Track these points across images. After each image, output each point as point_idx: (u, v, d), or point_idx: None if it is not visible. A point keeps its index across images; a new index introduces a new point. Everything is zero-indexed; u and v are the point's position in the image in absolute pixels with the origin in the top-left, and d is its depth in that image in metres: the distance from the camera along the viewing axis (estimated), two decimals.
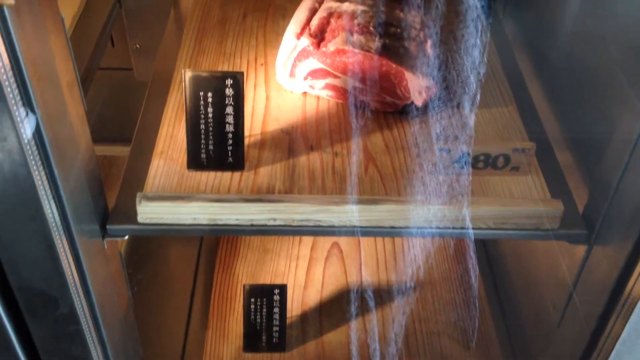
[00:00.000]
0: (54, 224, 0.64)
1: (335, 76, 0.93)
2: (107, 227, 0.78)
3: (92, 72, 1.13)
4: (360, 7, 0.95)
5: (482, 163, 0.83)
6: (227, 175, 0.83)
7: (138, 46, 1.27)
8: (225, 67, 1.02)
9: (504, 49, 1.09)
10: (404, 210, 0.78)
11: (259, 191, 0.81)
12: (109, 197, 0.83)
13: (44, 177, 0.61)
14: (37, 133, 0.59)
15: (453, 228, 0.79)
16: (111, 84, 1.36)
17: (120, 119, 1.32)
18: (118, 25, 1.26)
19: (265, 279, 1.21)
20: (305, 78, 0.95)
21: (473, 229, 0.79)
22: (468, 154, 0.81)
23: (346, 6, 0.96)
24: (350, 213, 0.79)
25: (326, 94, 0.96)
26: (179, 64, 1.01)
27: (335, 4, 0.97)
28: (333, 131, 0.92)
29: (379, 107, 0.94)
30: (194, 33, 1.09)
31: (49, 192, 0.63)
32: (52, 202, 0.64)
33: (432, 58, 0.92)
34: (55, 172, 0.63)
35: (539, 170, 0.85)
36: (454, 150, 0.81)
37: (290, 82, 0.97)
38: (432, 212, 0.78)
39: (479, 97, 0.90)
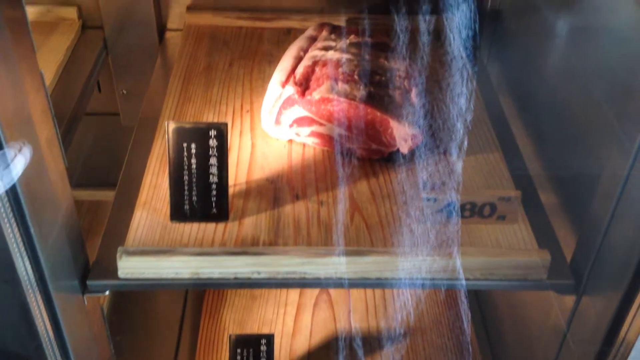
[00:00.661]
0: (28, 285, 0.62)
1: (321, 124, 0.93)
2: (88, 282, 0.76)
3: (78, 118, 1.13)
4: (345, 56, 0.96)
5: (468, 212, 0.82)
6: (211, 226, 0.82)
7: (125, 92, 1.27)
8: (211, 115, 1.02)
9: (488, 95, 1.10)
10: (390, 261, 0.77)
11: (243, 242, 0.80)
12: (94, 245, 0.82)
13: (19, 237, 0.60)
14: (12, 190, 0.58)
15: (440, 279, 0.78)
16: (98, 129, 1.36)
17: (107, 163, 1.31)
18: (105, 71, 1.26)
19: (253, 326, 1.18)
20: (291, 125, 0.95)
21: (460, 279, 0.78)
22: (454, 202, 0.81)
23: (331, 54, 0.97)
24: (336, 265, 0.77)
25: (312, 141, 0.96)
26: (164, 111, 1.01)
27: (320, 53, 0.98)
28: (319, 179, 0.91)
29: (365, 154, 0.94)
30: (180, 80, 1.09)
31: (23, 251, 0.61)
32: (27, 262, 0.62)
33: (418, 106, 0.92)
34: (32, 230, 0.62)
35: (526, 219, 0.84)
36: (440, 199, 0.81)
37: (276, 129, 0.96)
38: (419, 263, 0.77)
39: (465, 144, 0.91)
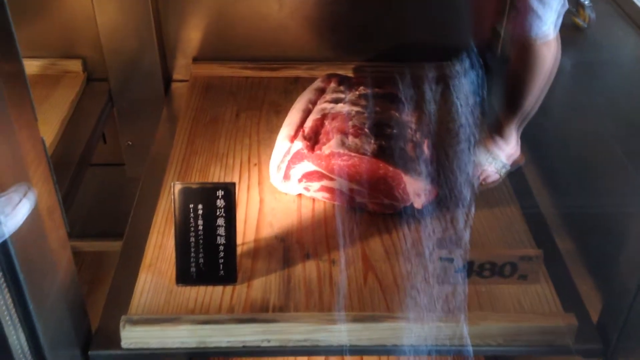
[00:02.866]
0: (22, 356, 0.59)
1: (331, 179, 0.90)
2: (90, 352, 0.73)
3: (83, 169, 1.11)
4: (355, 108, 0.94)
5: (488, 272, 0.79)
6: (218, 289, 0.79)
7: (130, 143, 1.25)
8: (217, 169, 0.99)
9: None
10: (407, 328, 0.73)
11: (252, 307, 0.76)
12: (97, 299, 0.78)
13: (11, 306, 0.57)
14: (4, 255, 0.55)
15: (461, 345, 0.74)
16: (103, 180, 1.33)
17: (112, 214, 1.28)
18: (110, 122, 1.24)
19: None
20: (300, 180, 0.92)
21: (482, 346, 0.74)
22: (472, 263, 0.77)
23: (340, 107, 0.95)
24: (351, 332, 0.73)
25: (322, 196, 0.93)
26: (170, 166, 0.98)
27: (329, 105, 0.96)
28: (330, 236, 0.88)
29: (377, 209, 0.91)
30: (186, 133, 1.07)
31: (16, 321, 0.58)
32: (20, 332, 0.59)
33: (430, 159, 0.90)
34: (27, 297, 0.59)
35: (548, 278, 0.80)
36: (457, 259, 0.77)
37: (285, 184, 0.94)
38: (438, 329, 0.73)
39: (481, 199, 0.87)
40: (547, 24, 0.77)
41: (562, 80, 1.03)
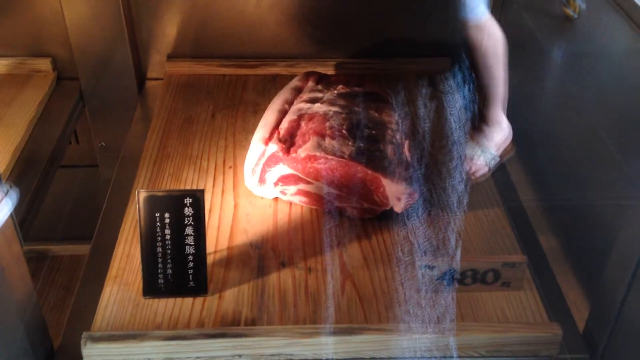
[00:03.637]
0: None
1: (308, 182, 0.86)
2: None
3: (52, 170, 1.07)
4: (332, 108, 0.90)
5: (470, 279, 0.75)
6: (188, 301, 0.75)
7: (103, 144, 1.21)
8: (191, 172, 0.95)
9: None
10: (385, 340, 0.70)
11: (223, 320, 0.73)
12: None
13: None
14: None
15: (442, 357, 0.70)
16: (77, 181, 1.29)
17: (86, 216, 1.24)
18: (83, 123, 1.20)
19: None
20: (276, 184, 0.88)
21: (464, 357, 0.71)
22: (454, 270, 0.74)
23: (317, 107, 0.91)
24: (326, 345, 0.70)
25: (299, 199, 0.89)
26: (140, 171, 0.94)
27: (305, 105, 0.92)
28: (306, 242, 0.84)
29: (356, 213, 0.87)
30: (159, 135, 1.02)
31: None
32: None
33: (411, 161, 0.86)
34: None
35: (533, 285, 0.77)
36: (438, 266, 0.73)
37: (260, 188, 0.90)
38: (418, 340, 0.70)
39: (464, 202, 0.84)
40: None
41: (552, 71, 1.00)
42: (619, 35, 0.84)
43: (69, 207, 1.30)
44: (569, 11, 0.93)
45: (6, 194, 0.54)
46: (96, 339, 0.68)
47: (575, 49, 0.95)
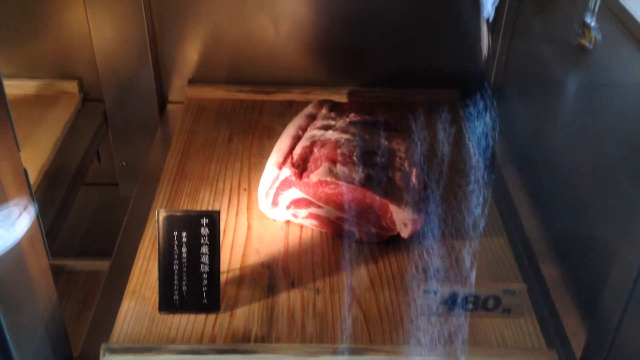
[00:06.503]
0: None
1: (319, 206, 0.90)
2: None
3: (76, 187, 1.12)
4: (344, 136, 0.94)
5: (472, 304, 0.78)
6: (201, 317, 0.79)
7: (124, 163, 1.26)
8: (207, 193, 0.99)
9: (494, 173, 1.07)
10: None
11: (234, 336, 0.76)
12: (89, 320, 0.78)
13: None
14: None
15: None
16: (97, 199, 1.34)
17: (106, 233, 1.29)
18: (106, 143, 1.25)
19: None
20: (288, 207, 0.92)
21: None
22: (456, 296, 0.77)
23: (329, 134, 0.95)
24: None
25: (309, 223, 0.93)
26: (159, 190, 0.99)
27: (318, 132, 0.96)
28: (316, 264, 0.88)
29: (364, 237, 0.91)
30: (178, 156, 1.07)
31: None
32: None
33: (418, 189, 0.90)
34: (4, 328, 0.59)
35: (532, 312, 0.80)
36: (442, 291, 0.77)
37: (273, 210, 0.94)
38: None
39: (470, 229, 0.87)
40: None
41: (567, 101, 1.01)
42: (635, 66, 0.85)
43: (90, 223, 1.35)
44: (585, 42, 0.94)
45: (25, 208, 0.56)
46: (114, 350, 0.71)
47: (591, 80, 0.96)
